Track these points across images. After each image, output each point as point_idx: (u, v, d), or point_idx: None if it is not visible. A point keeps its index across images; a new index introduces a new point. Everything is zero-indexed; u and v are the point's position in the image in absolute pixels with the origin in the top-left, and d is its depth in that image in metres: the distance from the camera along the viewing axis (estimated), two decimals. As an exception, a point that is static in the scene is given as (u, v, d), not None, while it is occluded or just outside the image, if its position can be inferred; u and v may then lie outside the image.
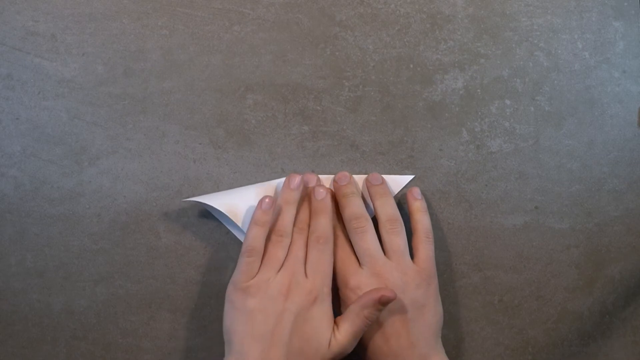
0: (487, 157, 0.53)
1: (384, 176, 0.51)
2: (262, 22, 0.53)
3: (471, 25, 0.54)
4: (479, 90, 0.53)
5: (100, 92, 0.52)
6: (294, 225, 0.48)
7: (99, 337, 0.51)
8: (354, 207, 0.48)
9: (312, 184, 0.50)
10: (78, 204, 0.52)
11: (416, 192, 0.50)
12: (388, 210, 0.48)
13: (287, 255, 0.47)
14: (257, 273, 0.45)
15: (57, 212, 0.51)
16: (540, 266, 0.53)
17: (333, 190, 0.51)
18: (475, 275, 0.53)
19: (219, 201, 0.49)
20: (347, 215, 0.48)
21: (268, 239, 0.47)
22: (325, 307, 0.46)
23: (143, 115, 0.52)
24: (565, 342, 0.53)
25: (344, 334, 0.45)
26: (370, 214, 0.49)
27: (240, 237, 0.51)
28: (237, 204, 0.49)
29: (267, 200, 0.46)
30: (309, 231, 0.48)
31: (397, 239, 0.47)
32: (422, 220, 0.49)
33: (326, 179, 0.52)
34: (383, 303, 0.44)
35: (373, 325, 0.46)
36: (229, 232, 0.52)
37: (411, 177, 0.52)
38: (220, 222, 0.52)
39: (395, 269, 0.46)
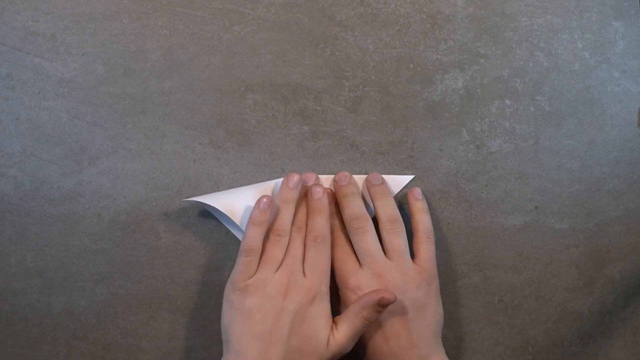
0: (487, 157, 0.53)
1: (384, 176, 0.51)
2: (262, 22, 0.53)
3: (471, 25, 0.54)
4: (479, 90, 0.53)
5: (100, 92, 0.52)
6: (292, 224, 0.48)
7: (99, 337, 0.51)
8: (354, 207, 0.48)
9: (310, 182, 0.50)
10: (78, 204, 0.52)
11: (417, 192, 0.50)
12: (388, 211, 0.48)
13: (285, 254, 0.47)
14: (255, 272, 0.45)
15: (57, 212, 0.51)
16: (540, 266, 0.53)
17: (333, 190, 0.51)
18: (475, 275, 0.53)
19: (218, 201, 0.49)
20: (347, 215, 0.48)
21: (266, 238, 0.47)
22: (323, 306, 0.46)
23: (143, 115, 0.52)
24: (565, 342, 0.53)
25: (343, 333, 0.45)
26: (370, 214, 0.49)
27: (240, 237, 0.51)
28: (236, 203, 0.49)
29: (264, 199, 0.46)
30: (306, 230, 0.48)
31: (397, 239, 0.47)
32: (423, 221, 0.49)
33: (326, 179, 0.52)
34: (382, 305, 0.44)
35: (373, 325, 0.46)
36: (228, 232, 0.52)
37: (411, 177, 0.52)
38: (220, 222, 0.52)
39: (395, 269, 0.46)
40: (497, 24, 0.54)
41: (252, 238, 0.46)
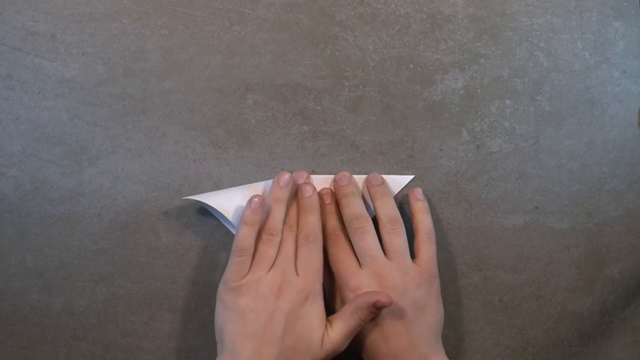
0: (487, 157, 0.53)
1: (384, 176, 0.51)
2: (262, 22, 0.53)
3: (471, 25, 0.54)
4: (479, 90, 0.53)
5: (100, 92, 0.52)
6: (284, 223, 0.48)
7: (99, 337, 0.51)
8: (354, 208, 0.48)
9: (300, 181, 0.50)
10: (78, 204, 0.52)
11: (418, 192, 0.50)
12: (388, 211, 0.48)
13: (277, 253, 0.47)
14: (248, 272, 0.46)
15: (57, 212, 0.51)
16: (540, 266, 0.53)
17: (333, 190, 0.51)
18: (475, 275, 0.53)
19: (218, 200, 0.49)
20: (347, 215, 0.48)
21: (258, 237, 0.47)
22: (317, 304, 0.46)
23: (143, 115, 0.52)
24: (565, 342, 0.53)
25: (337, 332, 0.45)
26: (370, 214, 0.49)
27: None
28: (235, 203, 0.49)
29: (256, 199, 0.46)
30: (297, 229, 0.48)
31: (397, 239, 0.47)
32: (424, 221, 0.49)
33: (326, 179, 0.52)
34: (378, 308, 0.44)
35: (373, 325, 0.46)
36: (228, 232, 0.52)
37: (411, 177, 0.52)
38: (220, 222, 0.52)
39: (395, 269, 0.46)
40: (497, 24, 0.54)
41: (244, 238, 0.46)
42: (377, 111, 0.53)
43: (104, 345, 0.51)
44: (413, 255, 0.48)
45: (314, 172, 0.52)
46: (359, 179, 0.52)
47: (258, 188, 0.50)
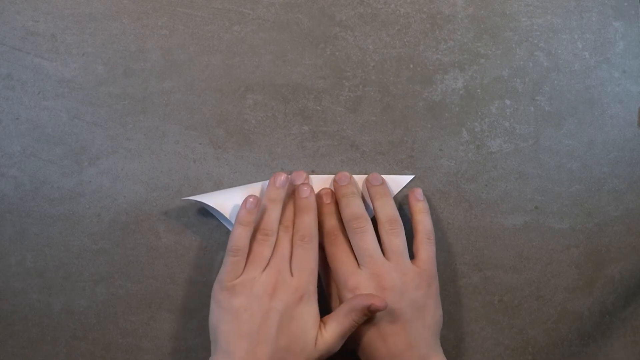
0: (487, 157, 0.53)
1: (384, 176, 0.51)
2: (262, 22, 0.53)
3: (471, 25, 0.54)
4: (479, 90, 0.53)
5: (100, 92, 0.52)
6: (280, 223, 0.48)
7: (99, 337, 0.51)
8: (353, 208, 0.48)
9: (299, 181, 0.50)
10: (78, 204, 0.52)
11: (418, 193, 0.50)
12: (388, 211, 0.48)
13: (272, 253, 0.47)
14: (242, 272, 0.46)
15: (57, 212, 0.51)
16: (540, 266, 0.53)
17: (333, 190, 0.51)
18: (475, 275, 0.53)
19: (218, 200, 0.49)
20: (346, 215, 0.48)
21: (253, 237, 0.47)
22: (311, 305, 0.46)
23: (143, 115, 0.52)
24: (565, 342, 0.53)
25: (331, 333, 0.45)
26: (370, 215, 0.49)
27: None
28: (235, 202, 0.49)
29: (251, 199, 0.46)
30: (293, 229, 0.48)
31: (396, 239, 0.47)
32: (423, 222, 0.49)
33: (326, 179, 0.52)
34: (372, 311, 0.44)
35: (371, 325, 0.46)
36: (228, 232, 0.52)
37: (411, 177, 0.52)
38: (220, 222, 0.52)
39: (394, 270, 0.46)
40: (497, 24, 0.54)
41: (239, 238, 0.46)
42: (377, 111, 0.53)
43: (104, 345, 0.51)
44: (412, 255, 0.48)
45: (313, 172, 0.52)
46: (359, 179, 0.52)
47: (257, 188, 0.50)
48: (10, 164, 0.52)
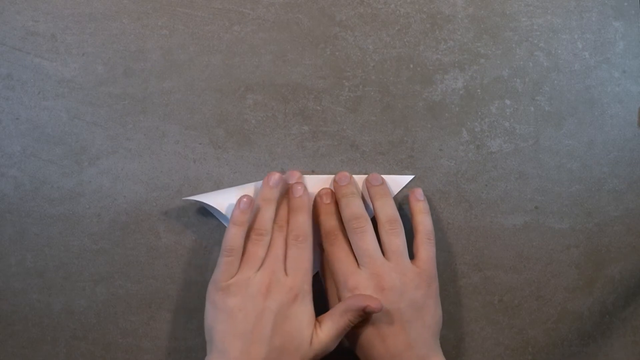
0: (487, 157, 0.53)
1: (384, 176, 0.51)
2: (262, 22, 0.53)
3: (471, 25, 0.54)
4: (479, 90, 0.53)
5: (100, 92, 0.52)
6: (274, 223, 0.48)
7: (99, 337, 0.51)
8: (353, 208, 0.48)
9: (292, 181, 0.50)
10: (78, 204, 0.52)
11: (419, 193, 0.50)
12: (388, 211, 0.48)
13: (266, 253, 0.47)
14: (237, 272, 0.46)
15: (57, 212, 0.51)
16: (540, 266, 0.53)
17: (333, 190, 0.51)
18: (475, 275, 0.53)
19: (217, 200, 0.49)
20: (346, 215, 0.48)
21: (248, 237, 0.47)
22: (306, 304, 0.46)
23: (143, 115, 0.52)
24: (565, 342, 0.53)
25: (327, 332, 0.45)
26: (370, 215, 0.49)
27: None
28: (234, 202, 0.49)
29: (244, 199, 0.46)
30: (287, 229, 0.48)
31: (396, 239, 0.47)
32: (424, 222, 0.49)
33: (326, 179, 0.52)
34: (367, 312, 0.44)
35: (370, 325, 0.46)
36: (229, 232, 0.52)
37: (411, 177, 0.52)
38: (221, 222, 0.52)
39: (393, 270, 0.46)
40: (497, 24, 0.54)
41: (233, 238, 0.46)
42: (377, 111, 0.53)
43: (104, 345, 0.51)
44: (412, 255, 0.48)
45: (313, 172, 0.52)
46: (359, 179, 0.52)
47: (253, 188, 0.50)
48: (10, 164, 0.52)
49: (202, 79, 0.53)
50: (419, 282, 0.46)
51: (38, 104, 0.52)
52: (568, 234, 0.53)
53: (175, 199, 0.52)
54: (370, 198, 0.50)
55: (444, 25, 0.54)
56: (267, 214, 0.47)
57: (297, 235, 0.47)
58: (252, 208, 0.47)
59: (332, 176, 0.51)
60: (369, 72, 0.53)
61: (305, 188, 0.49)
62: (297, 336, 0.44)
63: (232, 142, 0.52)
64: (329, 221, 0.49)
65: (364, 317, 0.45)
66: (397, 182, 0.52)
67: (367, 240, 0.47)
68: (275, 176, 0.48)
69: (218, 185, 0.52)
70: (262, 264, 0.46)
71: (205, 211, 0.52)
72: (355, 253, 0.48)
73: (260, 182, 0.51)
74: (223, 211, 0.49)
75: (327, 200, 0.50)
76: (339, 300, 0.48)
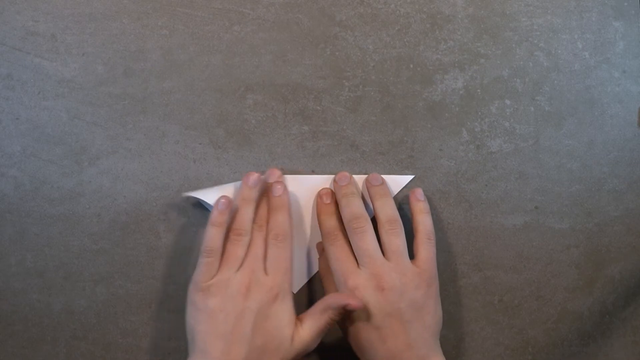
0: (487, 157, 0.53)
1: (384, 176, 0.51)
2: (262, 22, 0.53)
3: (471, 25, 0.54)
4: (479, 90, 0.53)
5: (100, 92, 0.52)
6: (253, 222, 0.48)
7: (99, 337, 0.51)
8: (353, 208, 0.48)
9: (272, 179, 0.50)
10: (78, 204, 0.52)
11: (419, 193, 0.50)
12: (387, 211, 0.48)
13: (246, 253, 0.47)
14: (217, 273, 0.46)
15: (57, 212, 0.51)
16: (540, 266, 0.53)
17: (333, 190, 0.51)
18: (475, 275, 0.53)
19: (214, 197, 0.49)
20: (346, 215, 0.48)
21: (227, 237, 0.47)
22: (286, 303, 0.46)
23: (143, 115, 0.52)
24: (565, 342, 0.53)
25: (308, 330, 0.45)
26: (370, 215, 0.49)
27: None
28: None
29: (222, 200, 0.47)
30: (267, 228, 0.48)
31: (396, 239, 0.47)
32: (424, 222, 0.49)
33: (326, 179, 0.52)
34: (348, 310, 0.45)
35: (370, 325, 0.46)
36: (229, 232, 0.52)
37: (411, 177, 0.52)
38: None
39: (393, 270, 0.46)
40: (497, 24, 0.54)
41: (212, 239, 0.46)
42: (377, 111, 0.53)
43: (104, 345, 0.51)
44: (412, 255, 0.48)
45: (313, 172, 0.52)
46: (359, 179, 0.52)
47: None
48: (10, 164, 0.52)
49: (202, 79, 0.53)
50: (419, 282, 0.46)
51: (38, 104, 0.52)
52: (568, 234, 0.53)
53: (175, 199, 0.52)
54: (370, 198, 0.50)
55: (444, 25, 0.54)
56: (246, 214, 0.47)
57: (276, 235, 0.47)
58: (230, 208, 0.47)
59: (332, 176, 0.52)
60: (369, 72, 0.53)
61: (285, 187, 0.49)
62: (277, 335, 0.44)
63: (232, 142, 0.52)
64: (329, 221, 0.49)
65: (345, 315, 0.46)
66: (397, 182, 0.52)
67: (367, 240, 0.47)
68: (254, 176, 0.48)
69: (218, 185, 0.52)
70: (241, 264, 0.46)
71: (206, 211, 0.52)
72: (355, 253, 0.48)
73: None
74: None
75: (327, 200, 0.50)
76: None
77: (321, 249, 0.51)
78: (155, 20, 0.53)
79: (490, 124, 0.53)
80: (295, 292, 0.52)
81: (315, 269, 0.52)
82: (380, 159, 0.53)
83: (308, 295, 0.52)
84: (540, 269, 0.53)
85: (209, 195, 0.49)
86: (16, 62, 0.52)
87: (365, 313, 0.45)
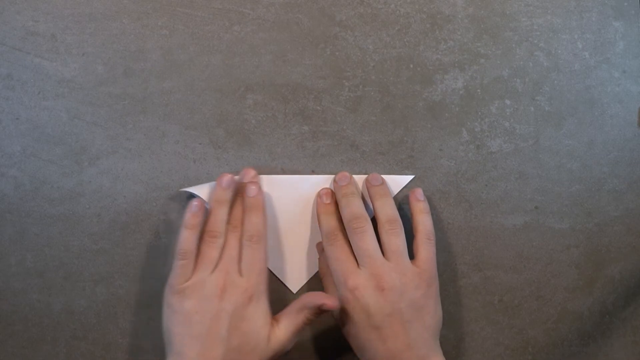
0: (487, 157, 0.53)
1: (384, 176, 0.51)
2: (262, 22, 0.53)
3: (471, 25, 0.54)
4: (479, 90, 0.53)
5: (100, 92, 0.52)
6: (228, 223, 0.48)
7: (99, 337, 0.51)
8: (353, 208, 0.48)
9: (246, 179, 0.50)
10: (78, 204, 0.52)
11: (419, 193, 0.50)
12: (387, 211, 0.48)
13: (221, 254, 0.47)
14: (192, 275, 0.46)
15: (57, 212, 0.51)
16: (540, 266, 0.53)
17: (333, 190, 0.51)
18: (475, 275, 0.53)
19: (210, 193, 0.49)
20: (346, 215, 0.48)
21: (202, 239, 0.47)
22: (261, 304, 0.46)
23: (143, 115, 0.52)
24: (565, 342, 0.53)
25: (284, 330, 0.45)
26: (370, 215, 0.49)
27: None
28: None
29: (195, 202, 0.47)
30: (242, 229, 0.48)
31: (396, 239, 0.47)
32: (424, 222, 0.49)
33: (326, 179, 0.52)
34: (324, 310, 0.45)
35: (370, 325, 0.46)
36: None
37: (411, 177, 0.52)
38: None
39: (393, 270, 0.46)
40: (497, 24, 0.54)
41: (185, 241, 0.46)
42: (377, 111, 0.53)
43: (104, 345, 0.51)
44: (412, 255, 0.48)
45: (313, 172, 0.52)
46: (359, 179, 0.52)
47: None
48: (10, 164, 0.52)
49: (202, 79, 0.53)
50: (419, 282, 0.46)
51: (38, 104, 0.52)
52: (568, 234, 0.53)
53: (175, 199, 0.52)
54: (370, 198, 0.50)
55: (444, 25, 0.54)
56: (219, 216, 0.48)
57: (251, 236, 0.47)
58: (203, 210, 0.47)
59: (332, 176, 0.52)
60: (369, 72, 0.53)
61: (259, 187, 0.49)
62: (253, 336, 0.44)
63: (232, 142, 0.52)
64: (329, 221, 0.49)
65: (321, 315, 0.46)
66: (397, 182, 0.52)
67: (367, 240, 0.47)
68: (227, 177, 0.48)
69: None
70: (216, 266, 0.46)
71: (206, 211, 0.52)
72: (355, 253, 0.48)
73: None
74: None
75: (327, 200, 0.50)
76: (339, 299, 0.48)
77: (321, 249, 0.51)
78: (155, 20, 0.53)
79: (490, 124, 0.53)
80: (295, 292, 0.52)
81: (315, 269, 0.52)
82: (380, 159, 0.53)
83: (308, 295, 0.52)
84: (540, 269, 0.53)
85: (204, 191, 0.49)
86: (16, 62, 0.52)
87: (365, 313, 0.45)
